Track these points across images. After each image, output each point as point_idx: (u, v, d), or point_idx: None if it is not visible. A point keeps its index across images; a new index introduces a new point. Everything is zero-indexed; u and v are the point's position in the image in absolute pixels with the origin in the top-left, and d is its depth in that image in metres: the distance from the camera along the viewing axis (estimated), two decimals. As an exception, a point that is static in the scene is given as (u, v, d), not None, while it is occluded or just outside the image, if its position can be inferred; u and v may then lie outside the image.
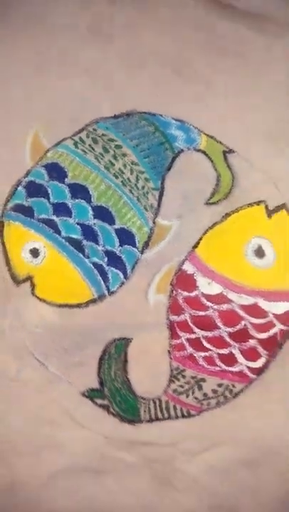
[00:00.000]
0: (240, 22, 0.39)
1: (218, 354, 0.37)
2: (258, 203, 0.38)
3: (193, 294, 0.38)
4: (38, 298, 0.38)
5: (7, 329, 0.38)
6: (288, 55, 0.39)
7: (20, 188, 0.38)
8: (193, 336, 0.38)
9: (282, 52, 0.39)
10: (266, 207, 0.38)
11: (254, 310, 0.37)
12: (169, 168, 0.38)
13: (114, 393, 0.38)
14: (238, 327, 0.37)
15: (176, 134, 0.38)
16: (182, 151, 0.38)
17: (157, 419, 0.38)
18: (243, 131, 0.39)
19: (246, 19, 0.39)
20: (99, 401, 0.38)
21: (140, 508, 0.37)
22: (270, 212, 0.38)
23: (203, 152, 0.38)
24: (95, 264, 0.38)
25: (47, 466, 0.37)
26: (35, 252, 0.38)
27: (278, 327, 0.37)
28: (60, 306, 0.38)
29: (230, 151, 0.38)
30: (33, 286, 0.38)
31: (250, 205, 0.38)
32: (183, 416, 0.38)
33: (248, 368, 0.37)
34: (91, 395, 0.38)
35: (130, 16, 0.39)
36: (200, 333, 0.38)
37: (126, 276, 0.38)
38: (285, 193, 0.38)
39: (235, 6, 0.39)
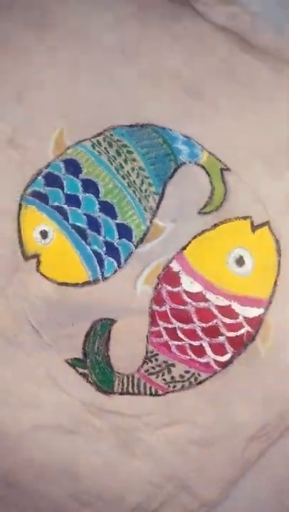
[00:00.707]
0: (255, 56, 0.43)
1: (190, 345, 0.41)
2: (245, 217, 0.42)
3: (176, 290, 0.42)
4: (41, 274, 0.42)
5: (11, 296, 0.42)
6: None
7: (39, 177, 0.42)
8: (170, 326, 0.41)
9: (288, 87, 0.43)
10: (251, 222, 0.42)
11: (227, 311, 0.41)
12: (170, 177, 0.42)
13: (95, 365, 0.42)
14: (210, 324, 0.41)
15: (181, 148, 0.43)
16: (184, 163, 0.42)
17: (128, 393, 0.41)
18: (241, 152, 0.43)
19: (260, 54, 0.43)
20: (80, 370, 0.42)
21: (102, 468, 0.40)
22: (254, 228, 0.42)
23: (203, 167, 0.42)
24: (94, 252, 0.42)
25: (28, 419, 0.41)
26: (44, 234, 0.42)
27: (246, 329, 0.41)
28: (59, 283, 0.42)
29: (227, 169, 0.42)
30: (38, 263, 0.42)
31: (238, 218, 0.42)
32: (150, 394, 0.41)
33: (215, 360, 0.41)
34: (74, 363, 0.42)
35: (157, 40, 0.43)
36: (177, 324, 0.42)
37: (119, 266, 0.42)
38: (271, 212, 0.42)
39: (251, 42, 0.43)
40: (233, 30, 0.43)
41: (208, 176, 0.43)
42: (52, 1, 0.44)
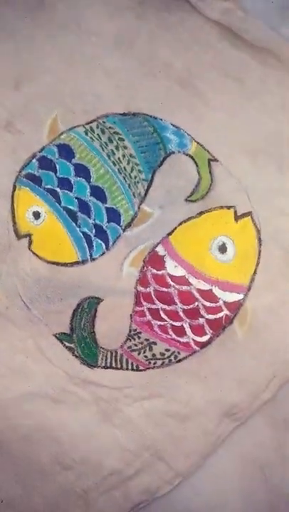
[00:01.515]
0: (246, 51, 0.44)
1: (171, 325, 0.44)
2: (229, 207, 0.44)
3: (160, 273, 0.44)
4: (32, 252, 0.44)
5: (3, 273, 0.44)
6: (281, 85, 0.44)
7: (34, 160, 0.44)
8: (153, 307, 0.44)
9: (276, 82, 0.44)
10: (235, 212, 0.44)
11: (208, 295, 0.43)
12: (160, 165, 0.44)
13: (81, 340, 0.44)
14: (191, 306, 0.43)
15: (170, 138, 0.44)
16: (173, 152, 0.44)
17: (111, 367, 0.44)
18: (228, 144, 0.44)
19: (251, 49, 0.44)
20: (67, 344, 0.44)
21: (83, 435, 0.43)
22: (237, 217, 0.44)
23: (191, 157, 0.44)
24: (84, 234, 0.44)
25: (17, 387, 0.43)
26: (37, 215, 0.44)
27: (225, 312, 0.44)
28: (50, 262, 0.44)
29: (215, 159, 0.44)
30: (30, 242, 0.44)
31: (222, 207, 0.44)
32: (132, 369, 0.44)
33: (194, 341, 0.44)
34: (62, 337, 0.44)
35: (152, 32, 0.44)
36: (160, 305, 0.44)
37: (107, 248, 0.44)
38: (254, 202, 0.44)
39: (244, 37, 0.44)
40: (227, 25, 0.44)
41: (196, 165, 0.44)
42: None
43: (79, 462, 0.43)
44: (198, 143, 0.44)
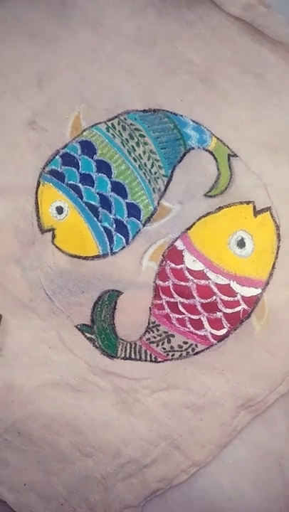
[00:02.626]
0: (266, 46, 0.45)
1: (190, 318, 0.44)
2: (248, 202, 0.44)
3: (179, 267, 0.45)
4: (55, 246, 0.45)
5: (27, 266, 0.45)
6: None
7: (57, 157, 0.45)
8: (172, 300, 0.44)
9: (297, 79, 0.45)
10: (254, 207, 0.44)
11: (226, 289, 0.44)
12: (179, 161, 0.45)
13: (101, 331, 0.45)
14: (209, 300, 0.44)
15: (190, 134, 0.45)
16: (193, 148, 0.45)
17: (130, 358, 0.45)
18: (248, 139, 0.45)
19: (271, 45, 0.44)
20: (88, 335, 0.45)
21: (102, 423, 0.44)
22: (256, 212, 0.45)
23: (211, 152, 0.45)
24: (105, 228, 0.45)
25: (39, 376, 0.45)
26: (60, 210, 0.45)
27: (242, 306, 0.44)
28: (72, 256, 0.45)
29: (234, 155, 0.45)
30: (53, 236, 0.45)
31: (241, 203, 0.45)
32: (150, 360, 0.45)
33: (212, 334, 0.44)
34: (83, 329, 0.45)
35: (173, 28, 0.45)
36: (178, 299, 0.44)
37: (127, 242, 0.45)
38: (273, 198, 0.44)
39: (264, 33, 0.44)
40: (248, 21, 0.44)
41: (216, 161, 0.45)
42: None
43: (98, 450, 0.44)
44: (218, 138, 0.45)
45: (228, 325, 0.44)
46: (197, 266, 0.44)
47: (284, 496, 0.44)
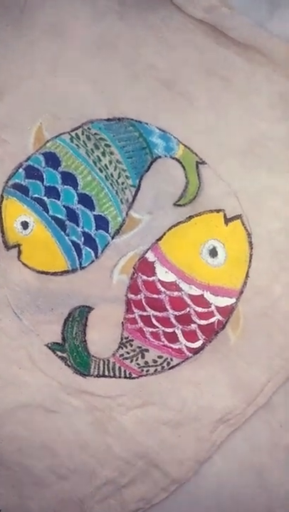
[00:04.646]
0: (231, 49, 0.43)
1: (164, 332, 0.43)
2: (218, 210, 0.43)
3: (150, 279, 0.43)
4: (22, 263, 0.44)
5: None
6: (268, 82, 0.43)
7: (20, 169, 0.44)
8: (145, 314, 0.43)
9: (263, 79, 0.43)
10: (224, 215, 0.43)
11: (200, 300, 0.43)
12: (146, 170, 0.43)
13: (73, 349, 0.44)
14: (183, 312, 0.43)
15: (157, 142, 0.43)
16: (160, 157, 0.43)
17: (104, 375, 0.43)
18: (217, 146, 0.43)
19: (236, 47, 0.43)
20: (59, 353, 0.44)
21: (77, 444, 0.43)
22: (227, 220, 0.43)
23: (178, 160, 0.43)
24: (73, 242, 0.43)
25: (11, 399, 0.43)
26: (25, 225, 0.44)
27: (217, 317, 0.43)
28: (39, 272, 0.44)
29: (203, 162, 0.43)
30: (19, 252, 0.44)
31: (211, 211, 0.43)
32: (125, 377, 0.43)
33: (187, 347, 0.43)
34: (54, 347, 0.44)
35: (135, 33, 0.43)
36: (151, 312, 0.43)
37: (97, 256, 0.43)
38: (244, 205, 0.43)
39: (228, 35, 0.43)
40: (211, 24, 0.43)
41: (184, 169, 0.43)
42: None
43: (74, 472, 0.43)
44: (185, 146, 0.44)
45: (204, 337, 0.43)
46: (169, 277, 0.43)
47: (267, 509, 0.44)
